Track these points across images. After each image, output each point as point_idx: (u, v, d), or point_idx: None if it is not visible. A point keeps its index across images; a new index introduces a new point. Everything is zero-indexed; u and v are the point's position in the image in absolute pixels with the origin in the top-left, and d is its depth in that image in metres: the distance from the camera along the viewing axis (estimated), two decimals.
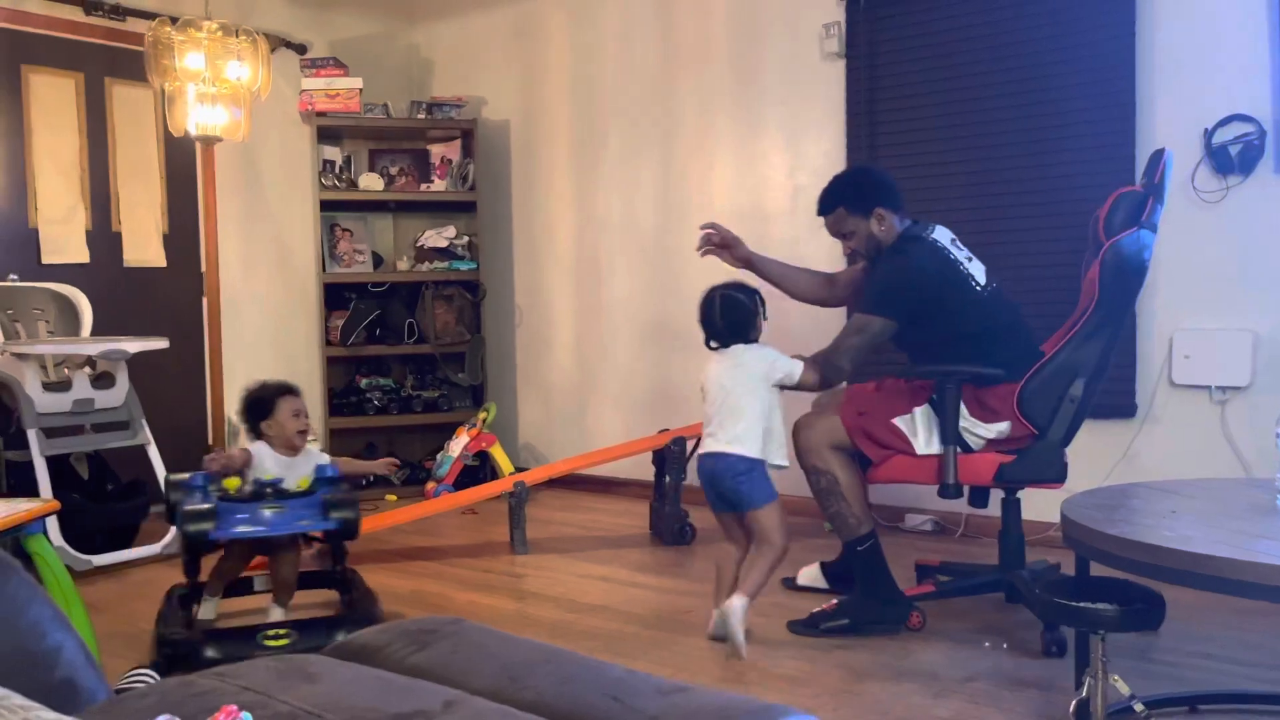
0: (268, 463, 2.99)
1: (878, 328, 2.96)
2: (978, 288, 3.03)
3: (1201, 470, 3.51)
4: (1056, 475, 2.94)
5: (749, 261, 3.41)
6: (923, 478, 2.98)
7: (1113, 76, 3.71)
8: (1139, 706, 2.08)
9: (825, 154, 4.41)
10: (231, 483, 2.93)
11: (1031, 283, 3.90)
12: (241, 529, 2.84)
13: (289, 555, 3.10)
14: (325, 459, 3.12)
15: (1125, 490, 2.46)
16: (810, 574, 3.38)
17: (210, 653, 2.68)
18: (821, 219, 3.17)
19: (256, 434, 3.07)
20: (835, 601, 3.01)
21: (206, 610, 3.11)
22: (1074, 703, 2.10)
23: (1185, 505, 2.21)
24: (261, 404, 3.06)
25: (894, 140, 4.21)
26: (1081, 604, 1.99)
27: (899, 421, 2.97)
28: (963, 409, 2.94)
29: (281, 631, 2.81)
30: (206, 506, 2.81)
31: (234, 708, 0.94)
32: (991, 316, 3.02)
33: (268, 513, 2.87)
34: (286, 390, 3.10)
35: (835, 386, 3.11)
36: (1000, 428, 2.95)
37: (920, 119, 4.15)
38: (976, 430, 2.96)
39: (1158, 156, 2.90)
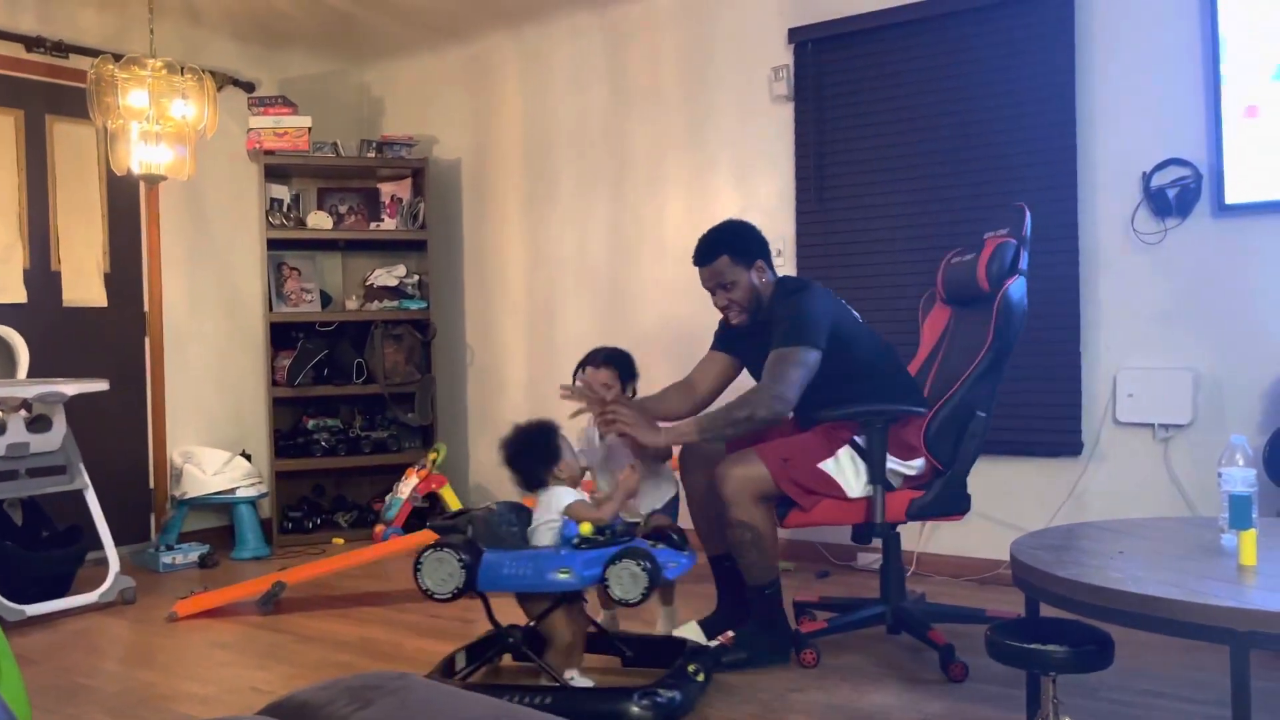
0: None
1: (813, 359, 2.90)
2: (864, 324, 3.14)
3: (1147, 508, 3.56)
4: (963, 507, 3.05)
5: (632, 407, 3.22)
6: (848, 519, 2.98)
7: (1053, 121, 3.79)
8: None
9: (775, 194, 4.45)
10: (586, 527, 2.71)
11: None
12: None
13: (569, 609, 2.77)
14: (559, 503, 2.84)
15: (1073, 530, 2.47)
16: (690, 630, 3.17)
17: None
18: (697, 268, 3.12)
19: (541, 483, 2.86)
20: (731, 635, 3.04)
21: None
22: None
23: (1133, 545, 2.23)
24: (548, 447, 2.86)
25: (841, 180, 4.27)
26: (1032, 645, 1.99)
27: (825, 467, 2.94)
28: None
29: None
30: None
31: None
32: (880, 354, 3.09)
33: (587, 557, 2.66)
34: (554, 426, 2.93)
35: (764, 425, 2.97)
36: (917, 464, 2.99)
37: (867, 160, 4.20)
38: (898, 469, 2.98)
39: (1020, 212, 3.06)
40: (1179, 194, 3.58)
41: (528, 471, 2.88)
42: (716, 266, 3.07)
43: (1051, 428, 3.82)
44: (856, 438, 2.98)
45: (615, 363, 3.19)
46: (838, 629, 3.10)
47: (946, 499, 2.99)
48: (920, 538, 4.10)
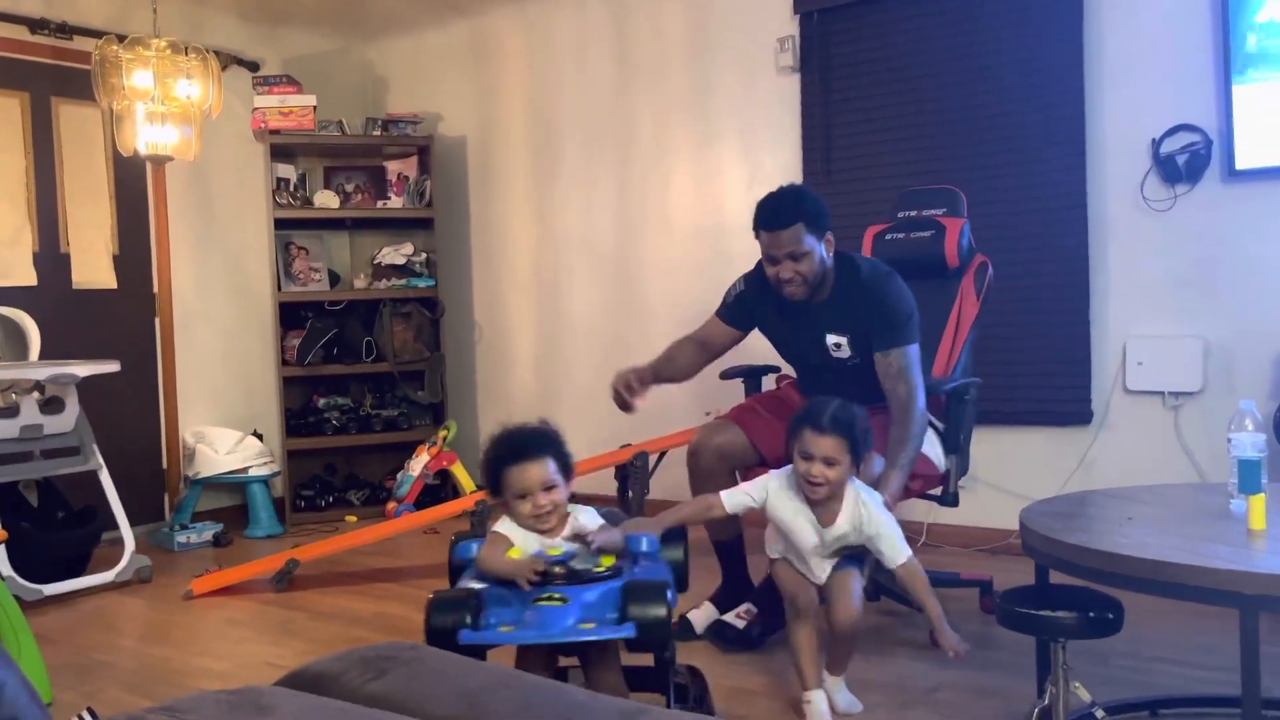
0: (517, 539, 2.19)
1: (918, 352, 2.82)
2: None
3: (1157, 475, 3.56)
4: (967, 468, 3.14)
5: (651, 381, 3.06)
6: (926, 491, 3.00)
7: (1062, 88, 3.77)
8: (1100, 713, 2.09)
9: (781, 166, 4.43)
10: (514, 553, 2.14)
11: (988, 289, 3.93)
12: (502, 631, 2.00)
13: (601, 662, 2.14)
14: (589, 520, 2.25)
15: (1082, 498, 2.48)
16: (705, 609, 3.06)
17: None
18: (766, 233, 2.81)
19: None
20: (750, 608, 2.94)
21: None
22: (1035, 710, 2.11)
23: (1141, 512, 2.23)
24: (492, 474, 2.24)
25: (848, 152, 4.24)
26: (1042, 612, 2.00)
27: (926, 449, 2.88)
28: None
29: None
30: (461, 593, 2.06)
31: None
32: None
33: (543, 608, 1.97)
34: (516, 454, 2.21)
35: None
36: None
37: (873, 130, 4.18)
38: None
39: (955, 194, 3.28)
40: (1189, 160, 3.55)
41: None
42: (792, 234, 2.74)
43: (1061, 397, 3.81)
44: (931, 415, 2.94)
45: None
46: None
47: (964, 464, 3.08)
48: (929, 509, 4.10)
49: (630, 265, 4.93)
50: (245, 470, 4.84)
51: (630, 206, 4.92)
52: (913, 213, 3.31)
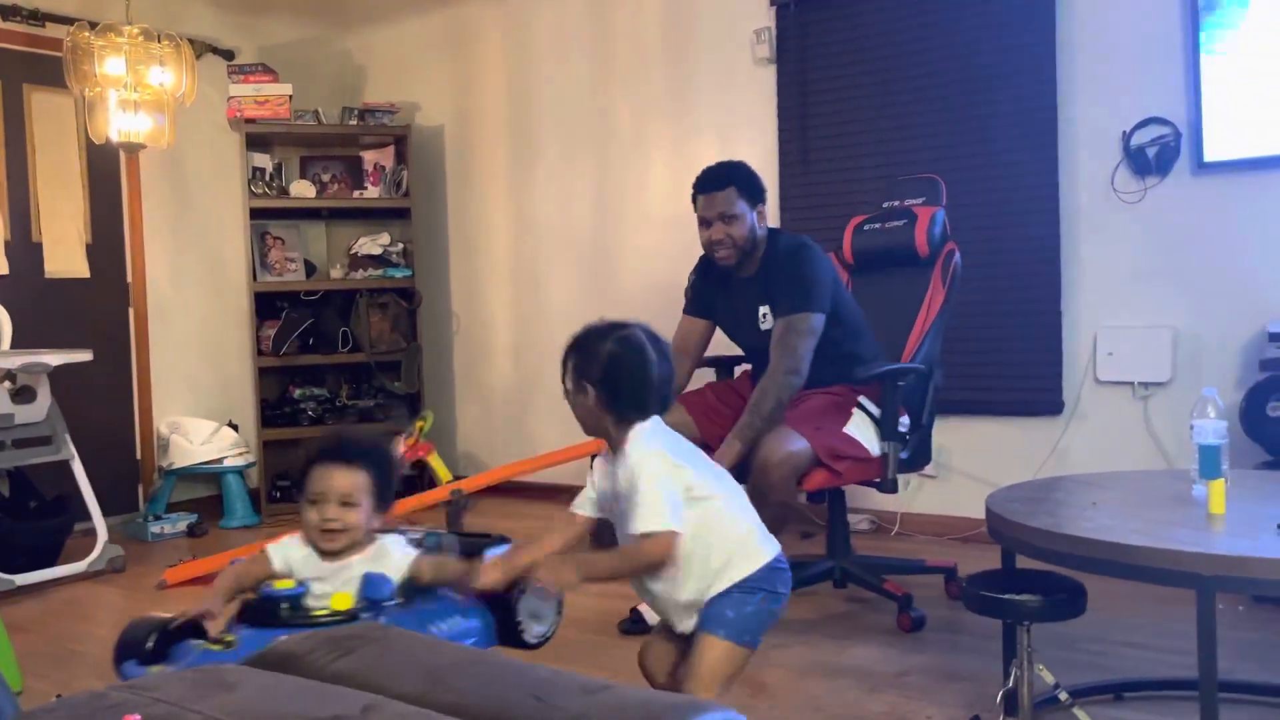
0: (295, 560, 1.93)
1: (819, 323, 2.90)
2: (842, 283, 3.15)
3: (1127, 464, 3.60)
4: (929, 458, 3.21)
5: None
6: (866, 477, 3.01)
7: (1034, 80, 3.80)
8: (1064, 695, 2.12)
9: (758, 157, 4.41)
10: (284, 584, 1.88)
11: (961, 280, 3.96)
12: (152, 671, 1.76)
13: None
14: (390, 556, 1.93)
15: (1048, 484, 2.51)
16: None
17: None
18: (701, 195, 2.97)
19: None
20: None
21: None
22: (1000, 693, 2.13)
23: (1106, 497, 2.26)
24: (302, 471, 1.98)
25: (824, 143, 4.27)
26: (1006, 595, 2.03)
27: (849, 430, 2.93)
28: None
29: None
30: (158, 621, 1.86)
31: (137, 716, 0.92)
32: (858, 315, 3.09)
33: (207, 652, 1.75)
34: (328, 453, 1.96)
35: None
36: (905, 422, 3.04)
37: (849, 121, 4.20)
38: (902, 426, 3.02)
39: (935, 183, 3.32)
40: (1158, 152, 3.59)
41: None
42: (724, 195, 2.95)
43: (1033, 387, 3.85)
44: (862, 399, 3.00)
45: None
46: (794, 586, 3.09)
47: (922, 452, 3.13)
48: (903, 498, 4.14)
49: (608, 256, 4.93)
50: (220, 461, 4.82)
51: (608, 197, 4.92)
52: (895, 202, 3.35)
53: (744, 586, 1.85)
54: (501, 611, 1.93)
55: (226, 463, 4.84)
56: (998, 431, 3.94)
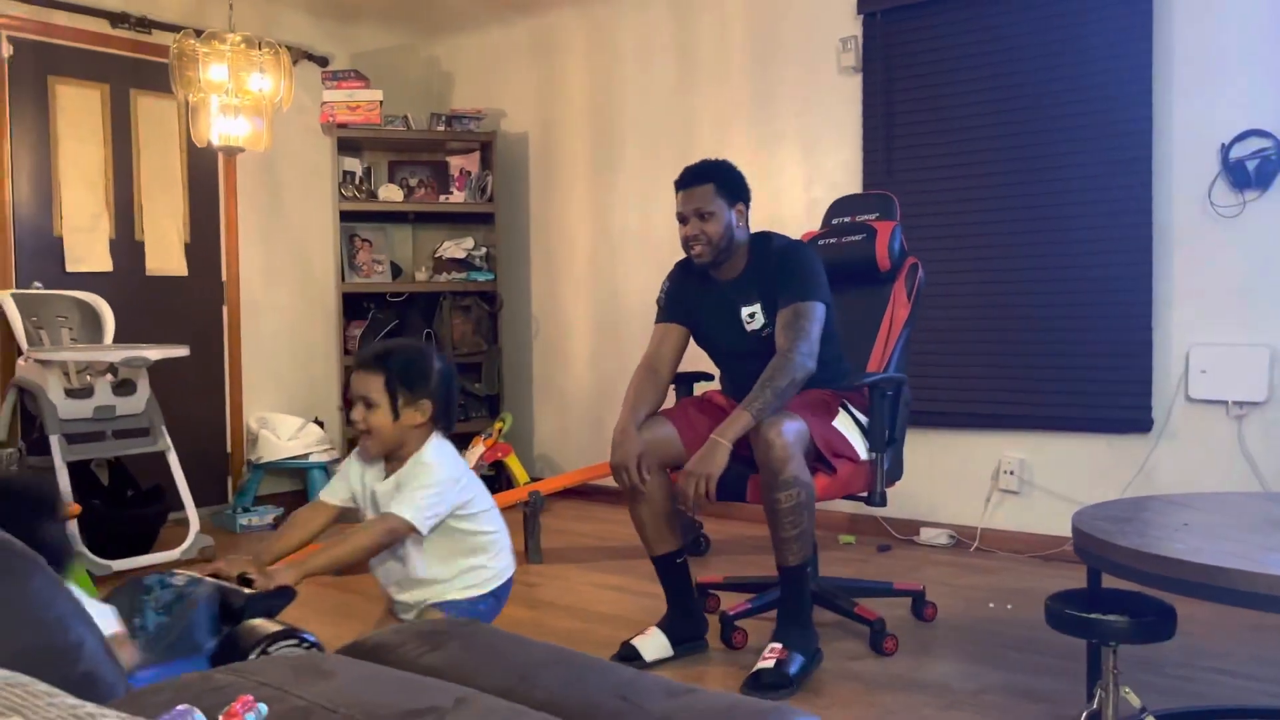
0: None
1: (823, 313, 2.82)
2: None
3: (1218, 485, 3.50)
4: (901, 474, 3.08)
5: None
6: (856, 485, 2.91)
7: (1129, 91, 3.72)
8: (1150, 719, 2.08)
9: (842, 167, 4.43)
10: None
11: (1046, 293, 3.90)
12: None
13: None
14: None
15: (1138, 503, 2.45)
16: (658, 645, 2.85)
17: None
18: (680, 191, 2.91)
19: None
20: (779, 646, 2.63)
21: None
22: (1084, 714, 2.10)
23: (1198, 518, 2.21)
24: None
25: (909, 153, 4.23)
26: (1093, 615, 1.99)
27: (838, 426, 2.87)
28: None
29: None
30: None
31: (249, 697, 0.96)
32: (833, 321, 2.98)
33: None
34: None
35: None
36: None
37: (935, 132, 4.16)
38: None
39: (889, 200, 3.29)
40: (1259, 165, 3.49)
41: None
42: (701, 192, 2.87)
43: (1121, 404, 3.77)
44: (846, 402, 2.95)
45: (383, 368, 2.20)
46: (761, 609, 2.98)
47: (896, 467, 3.03)
48: (984, 514, 4.08)
49: None
50: (306, 456, 4.95)
51: None
52: (845, 218, 3.29)
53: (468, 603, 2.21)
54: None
55: (311, 458, 4.96)
56: (1083, 448, 3.87)
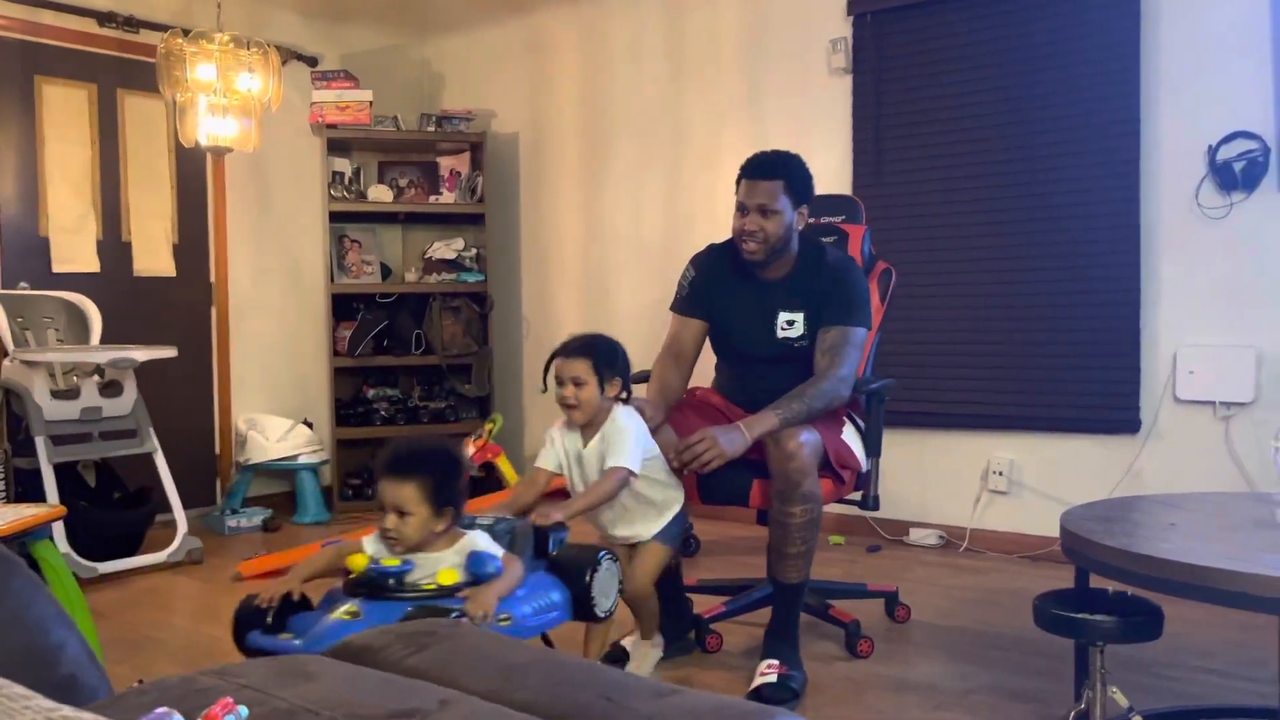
0: (370, 546, 2.18)
1: (864, 338, 2.82)
2: None
3: (1206, 486, 3.51)
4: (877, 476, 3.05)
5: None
6: (844, 494, 2.90)
7: (1117, 93, 3.73)
8: (1138, 719, 2.08)
9: (832, 169, 4.43)
10: (356, 561, 2.13)
11: (1035, 293, 3.91)
12: (280, 639, 1.98)
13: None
14: (485, 544, 2.16)
15: (1125, 503, 2.46)
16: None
17: None
18: (746, 180, 2.79)
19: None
20: (776, 663, 2.59)
21: None
22: (1072, 714, 2.10)
23: (1185, 518, 2.21)
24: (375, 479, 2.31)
25: (899, 154, 4.23)
26: (1080, 615, 2.00)
27: (847, 439, 2.86)
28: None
29: None
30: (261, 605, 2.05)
31: (229, 700, 0.95)
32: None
33: (333, 621, 1.96)
34: (385, 467, 2.16)
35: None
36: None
37: (925, 134, 4.17)
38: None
39: (854, 202, 3.31)
40: (1245, 167, 3.50)
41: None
42: (769, 187, 2.74)
43: (1109, 405, 3.78)
44: (850, 412, 2.94)
45: (591, 354, 2.54)
46: (735, 612, 2.97)
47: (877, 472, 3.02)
48: (973, 514, 4.09)
49: (679, 265, 4.91)
50: (295, 458, 4.93)
51: (680, 206, 4.94)
52: (811, 220, 3.16)
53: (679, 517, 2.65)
54: (578, 588, 2.24)
55: (301, 460, 4.94)
56: (1071, 449, 3.88)
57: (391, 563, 2.08)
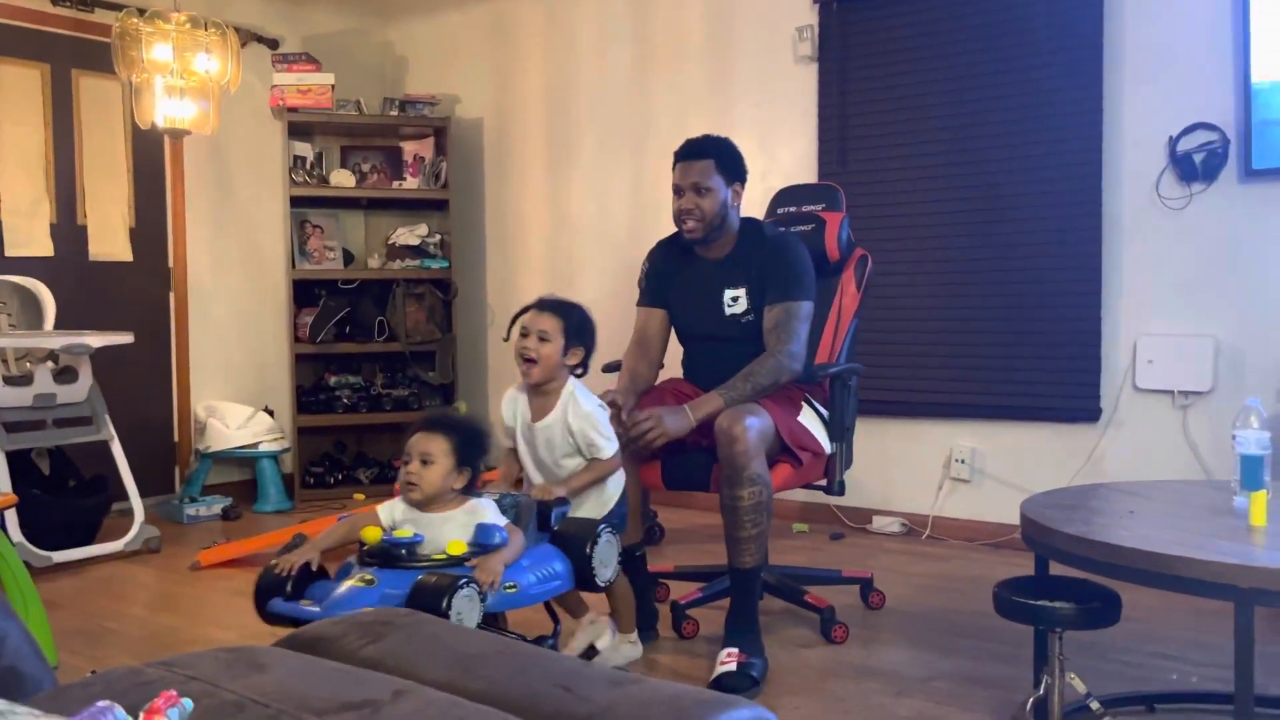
0: (396, 512, 2.33)
1: (809, 311, 2.85)
2: None
3: (1164, 474, 3.55)
4: (851, 461, 3.07)
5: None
6: (811, 479, 2.95)
7: (1079, 84, 3.75)
8: (1095, 705, 2.10)
9: (797, 157, 4.42)
10: (370, 533, 2.25)
11: (997, 283, 3.93)
12: (301, 605, 2.12)
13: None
14: (491, 515, 2.28)
15: (1085, 491, 2.48)
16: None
17: None
18: (679, 163, 2.90)
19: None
20: (736, 651, 2.57)
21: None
22: (1030, 700, 2.11)
23: (1144, 506, 2.23)
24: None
25: (863, 143, 4.24)
26: (1039, 602, 2.01)
27: (804, 421, 2.87)
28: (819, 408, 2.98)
29: None
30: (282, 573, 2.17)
31: (173, 693, 0.93)
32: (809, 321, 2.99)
33: (349, 588, 2.11)
34: (426, 423, 2.37)
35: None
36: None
37: (890, 122, 4.17)
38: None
39: (835, 190, 3.31)
40: (1205, 159, 3.54)
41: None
42: (701, 166, 2.86)
43: (1070, 393, 3.81)
44: (809, 395, 2.95)
45: (565, 315, 2.57)
46: (710, 598, 2.97)
47: (848, 455, 3.04)
48: (935, 502, 4.11)
49: (643, 253, 4.89)
50: (255, 445, 4.87)
51: (645, 193, 4.92)
52: (791, 208, 3.29)
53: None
54: (579, 559, 2.37)
55: (261, 448, 4.88)
56: (1032, 437, 3.91)
57: (404, 534, 2.21)
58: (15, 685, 1.15)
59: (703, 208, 2.86)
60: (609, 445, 2.56)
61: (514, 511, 2.39)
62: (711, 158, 2.89)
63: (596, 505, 2.62)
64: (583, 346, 2.60)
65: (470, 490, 2.33)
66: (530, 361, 2.54)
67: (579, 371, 2.62)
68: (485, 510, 2.28)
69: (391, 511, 2.32)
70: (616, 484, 2.66)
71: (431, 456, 2.27)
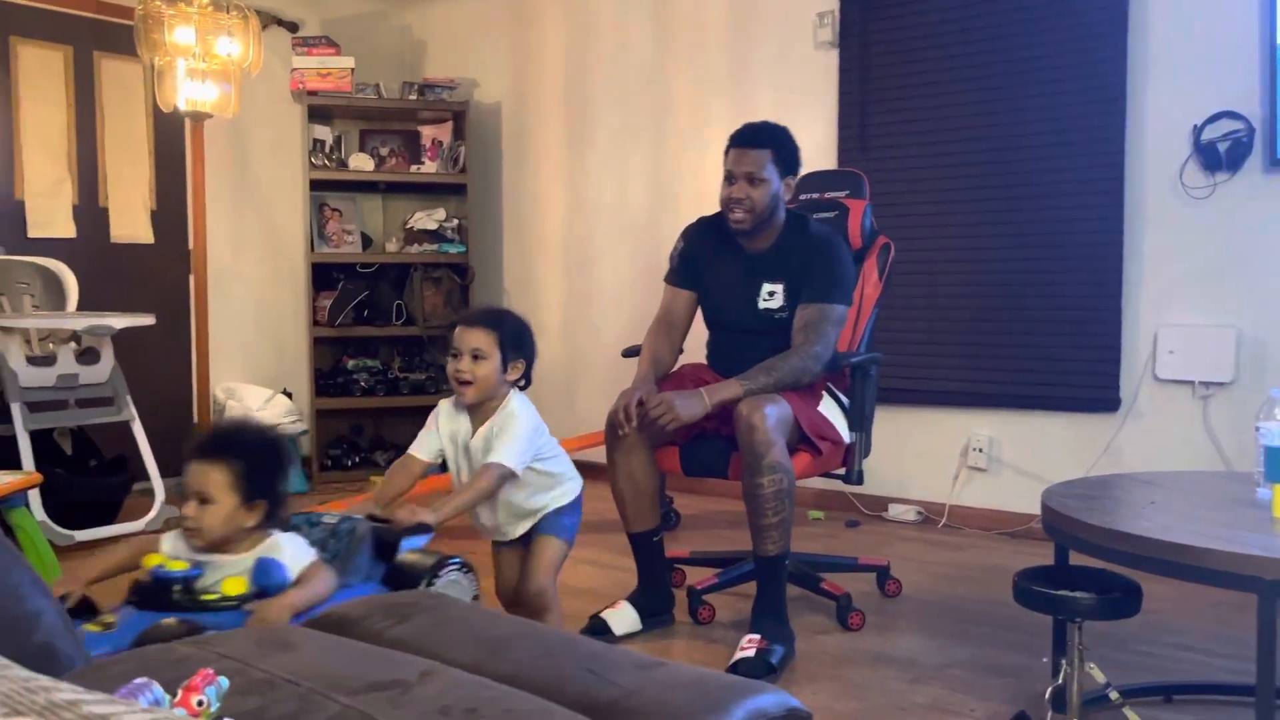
0: (181, 546, 1.95)
1: (844, 314, 2.83)
2: None
3: (1184, 465, 3.54)
4: (870, 450, 3.03)
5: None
6: (830, 468, 2.93)
7: (1103, 71, 3.72)
8: (1114, 694, 2.10)
9: (817, 143, 4.40)
10: (150, 560, 1.90)
11: (1017, 271, 3.91)
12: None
13: None
14: (282, 551, 1.91)
15: (1105, 481, 2.47)
16: (627, 619, 2.83)
17: None
18: (735, 149, 2.82)
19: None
20: (758, 638, 2.57)
21: None
22: (1049, 690, 2.11)
23: (1165, 496, 2.23)
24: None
25: (884, 130, 4.22)
26: (1060, 592, 2.01)
27: (825, 411, 2.86)
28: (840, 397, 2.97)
29: None
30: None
31: (210, 671, 0.94)
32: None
33: (87, 633, 1.75)
34: (199, 450, 1.98)
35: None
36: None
37: (912, 109, 4.15)
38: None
39: (858, 177, 3.27)
40: (1230, 148, 3.51)
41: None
42: (757, 156, 2.77)
43: (1089, 383, 3.80)
44: (830, 385, 2.94)
45: (497, 326, 2.38)
46: (727, 584, 2.97)
47: (866, 443, 3.02)
48: (952, 491, 4.11)
49: (662, 238, 4.91)
50: (274, 427, 4.88)
51: (664, 179, 4.91)
52: (814, 195, 3.25)
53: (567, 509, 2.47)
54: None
55: (279, 430, 4.90)
56: (1051, 426, 3.90)
57: (178, 566, 1.83)
58: (50, 662, 1.17)
59: (754, 198, 2.77)
60: (506, 453, 2.29)
61: (345, 540, 2.07)
62: (769, 148, 2.79)
63: (535, 518, 2.44)
64: (523, 358, 2.40)
65: (273, 521, 1.94)
66: (465, 384, 2.34)
67: (521, 384, 2.42)
68: (280, 547, 1.90)
69: (175, 543, 1.94)
70: (570, 487, 2.48)
71: (209, 495, 1.88)
